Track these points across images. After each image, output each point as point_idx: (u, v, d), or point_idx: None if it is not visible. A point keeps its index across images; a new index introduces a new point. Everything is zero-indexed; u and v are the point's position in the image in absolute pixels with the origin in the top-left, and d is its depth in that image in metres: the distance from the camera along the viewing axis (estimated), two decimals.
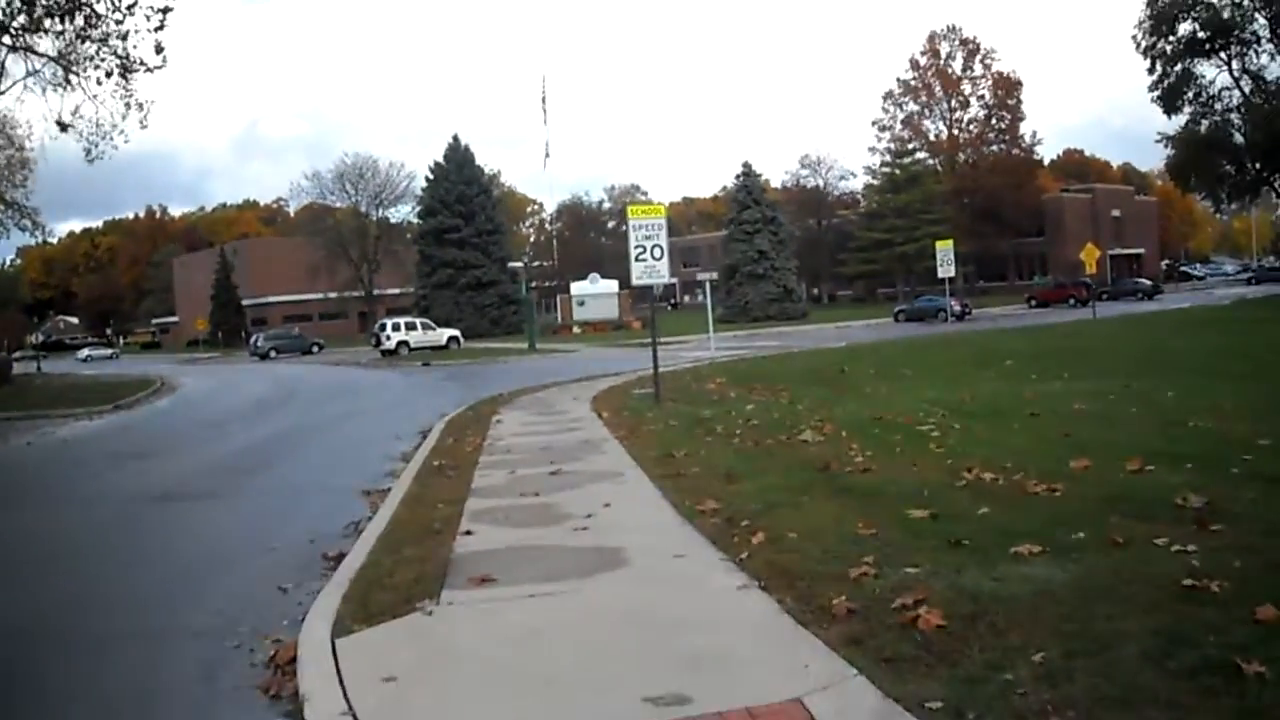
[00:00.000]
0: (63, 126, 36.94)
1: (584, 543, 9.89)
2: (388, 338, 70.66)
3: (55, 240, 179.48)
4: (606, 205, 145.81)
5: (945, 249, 53.54)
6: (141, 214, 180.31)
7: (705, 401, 23.26)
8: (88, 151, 37.85)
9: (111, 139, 37.58)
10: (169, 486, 17.05)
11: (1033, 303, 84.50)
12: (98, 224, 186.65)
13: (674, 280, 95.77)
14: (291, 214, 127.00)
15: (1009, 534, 8.57)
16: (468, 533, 10.57)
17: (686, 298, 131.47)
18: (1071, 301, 79.51)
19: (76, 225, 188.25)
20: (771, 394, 24.54)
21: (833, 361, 34.43)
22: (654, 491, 12.20)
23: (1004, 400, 19.21)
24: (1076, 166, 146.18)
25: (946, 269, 52.64)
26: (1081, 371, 24.09)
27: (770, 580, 7.95)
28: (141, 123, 37.49)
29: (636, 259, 23.11)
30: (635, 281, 23.62)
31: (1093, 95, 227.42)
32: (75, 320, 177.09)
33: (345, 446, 21.60)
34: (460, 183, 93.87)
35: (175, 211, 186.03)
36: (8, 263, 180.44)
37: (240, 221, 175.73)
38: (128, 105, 36.70)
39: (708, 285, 45.03)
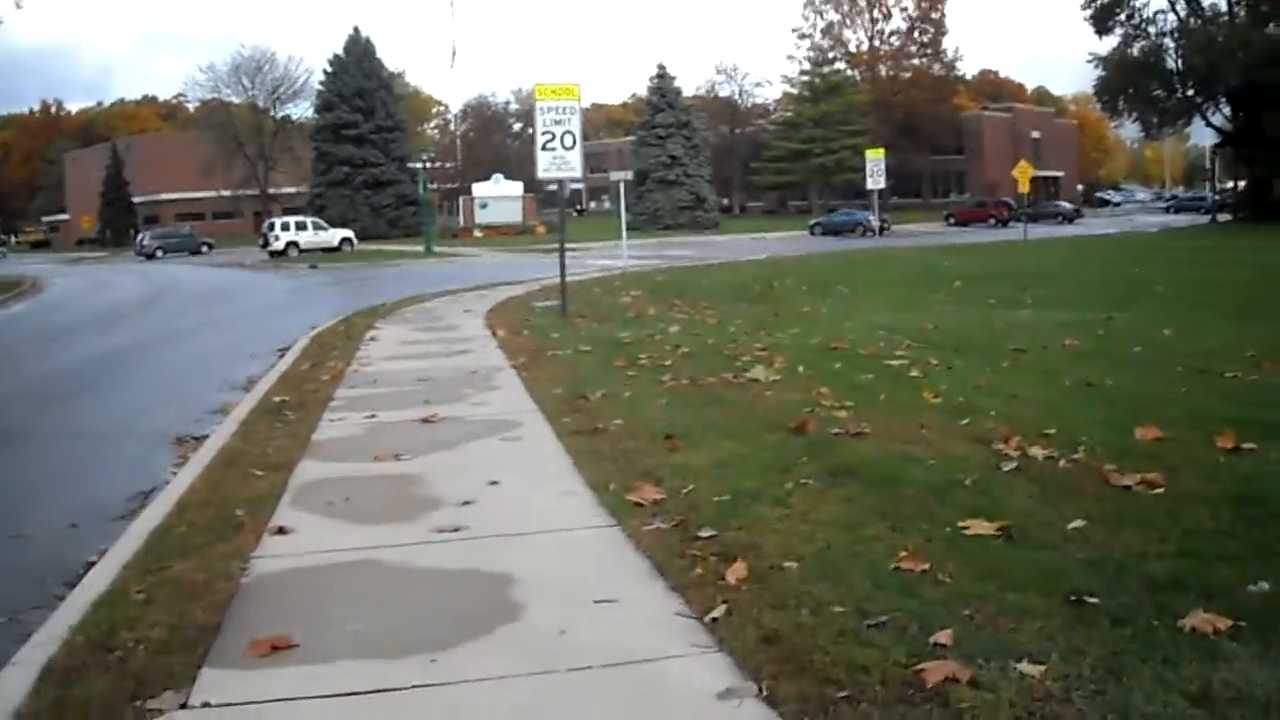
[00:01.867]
0: None
1: (453, 561, 6.29)
2: (276, 238, 66.37)
3: None
4: (514, 107, 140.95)
5: (876, 159, 50.08)
6: (37, 109, 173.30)
7: (620, 319, 19.88)
8: None
9: None
10: None
11: (951, 220, 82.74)
12: None
13: (581, 184, 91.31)
14: (191, 110, 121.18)
15: (1152, 580, 5.21)
16: (280, 530, 6.97)
17: (593, 204, 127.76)
18: (992, 221, 78.33)
19: None
20: (695, 311, 21.44)
21: (757, 276, 31.26)
22: (562, 460, 8.60)
23: (974, 331, 16.36)
24: (991, 87, 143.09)
25: (876, 180, 49.30)
26: (1044, 299, 21.32)
27: (778, 681, 4.41)
28: (16, 3, 33.84)
29: (544, 148, 19.51)
30: (541, 174, 20.00)
31: (1009, 16, 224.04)
32: None
33: (185, 368, 17.80)
34: (360, 76, 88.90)
35: (73, 107, 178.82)
36: None
37: (139, 118, 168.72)
38: None
39: (621, 186, 40.90)
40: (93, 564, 6.84)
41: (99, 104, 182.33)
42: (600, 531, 6.73)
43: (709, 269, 36.29)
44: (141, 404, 14.28)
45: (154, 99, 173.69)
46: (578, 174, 20.23)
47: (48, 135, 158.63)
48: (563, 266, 20.79)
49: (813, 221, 78.83)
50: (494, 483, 7.90)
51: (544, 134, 19.42)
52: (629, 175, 40.83)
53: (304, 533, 6.95)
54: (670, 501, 7.08)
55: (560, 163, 19.53)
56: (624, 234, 40.61)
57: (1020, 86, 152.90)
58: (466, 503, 7.41)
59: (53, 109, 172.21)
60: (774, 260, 40.31)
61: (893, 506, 6.74)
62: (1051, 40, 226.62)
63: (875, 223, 69.57)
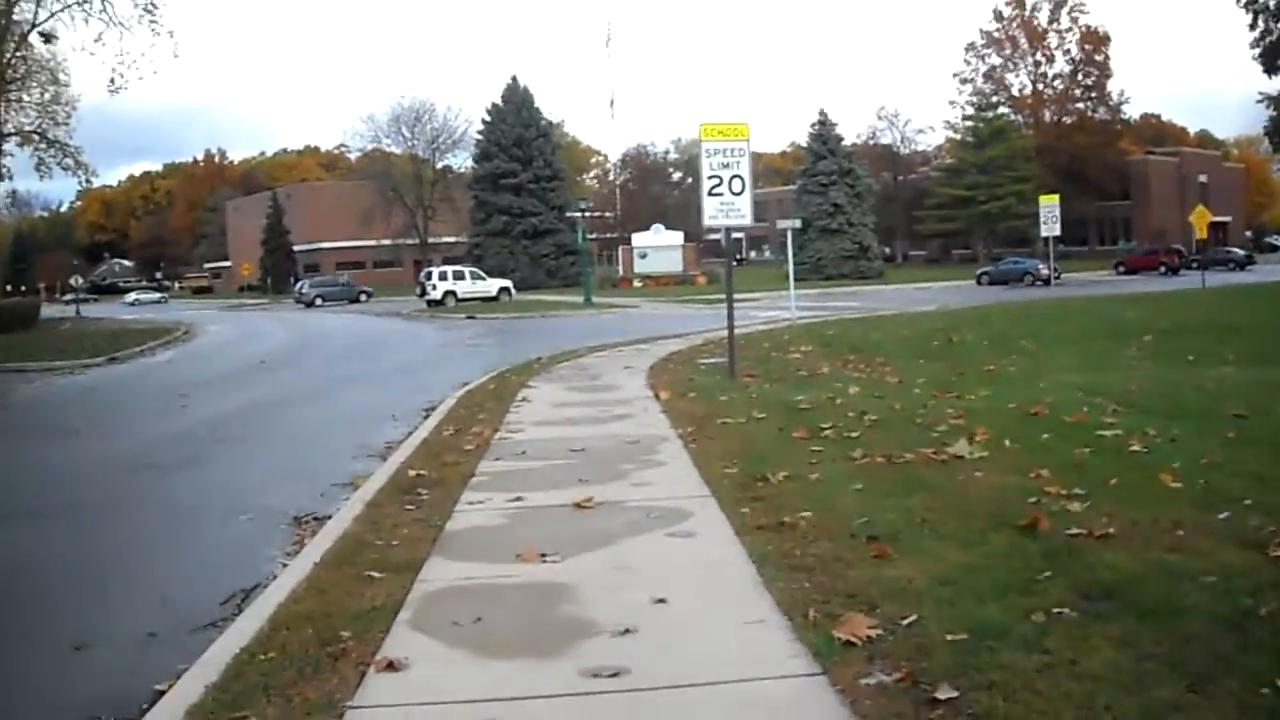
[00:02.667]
0: (46, 38, 33.29)
1: None
2: (433, 287, 65.65)
3: (115, 184, 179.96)
4: (673, 156, 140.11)
5: (1050, 205, 47.65)
6: (201, 158, 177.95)
7: (793, 379, 18.29)
8: (112, 80, 35.47)
9: (137, 67, 34.42)
10: (24, 498, 12.34)
11: (1121, 269, 79.69)
12: (158, 167, 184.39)
13: (741, 233, 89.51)
14: (353, 160, 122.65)
15: None
16: (390, 665, 5.48)
17: (753, 253, 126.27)
18: (1163, 269, 75.31)
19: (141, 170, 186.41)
20: (872, 370, 19.99)
21: (932, 329, 29.35)
22: (744, 569, 6.93)
23: (1183, 393, 14.44)
24: (1153, 130, 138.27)
25: (1050, 227, 46.85)
26: (1247, 354, 19.37)
27: None
28: (174, 53, 34.19)
29: (710, 193, 17.97)
30: (708, 222, 18.45)
31: (1169, 59, 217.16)
32: (130, 264, 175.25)
33: (321, 429, 16.56)
34: (518, 125, 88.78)
35: (236, 156, 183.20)
36: (64, 205, 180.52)
37: (300, 167, 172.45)
38: (155, 33, 34.03)
39: (789, 235, 38.89)
40: (160, 695, 5.47)
41: (261, 153, 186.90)
42: (803, 684, 5.07)
43: (880, 322, 34.42)
44: (265, 473, 13.01)
45: (315, 149, 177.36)
46: (747, 221, 18.63)
47: (210, 183, 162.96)
48: (731, 322, 19.19)
49: (979, 270, 76.55)
50: (661, 600, 6.32)
51: (710, 178, 17.91)
52: (796, 224, 39.24)
53: (419, 668, 5.46)
54: (890, 640, 5.43)
55: (728, 209, 18.00)
56: (791, 285, 38.81)
57: (1183, 130, 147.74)
58: (626, 631, 5.84)
59: (216, 158, 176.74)
60: (946, 312, 38.26)
61: (1180, 652, 5.04)
62: (1214, 82, 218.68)
63: (1045, 271, 67.92)
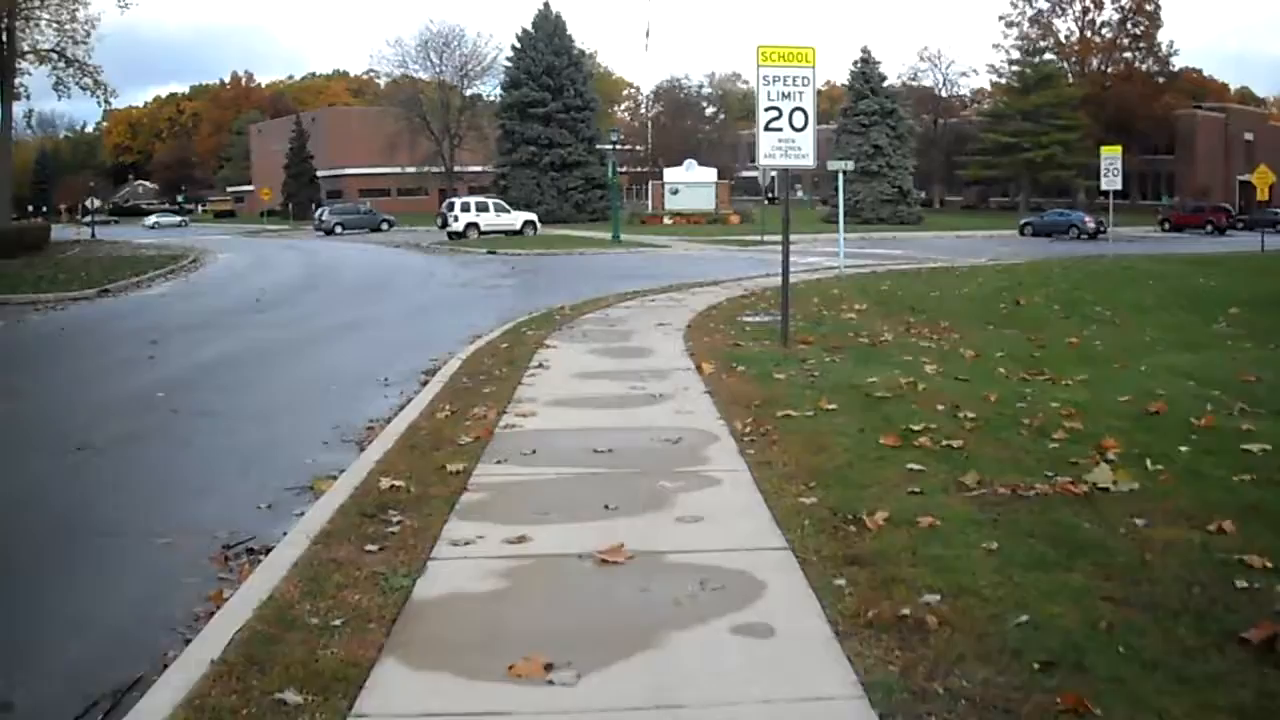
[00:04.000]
0: None
1: None
2: (455, 218, 62.96)
3: (142, 105, 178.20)
4: (706, 90, 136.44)
5: (1112, 156, 44.21)
6: (228, 80, 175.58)
7: (855, 348, 15.80)
8: None
9: None
10: None
11: (1166, 225, 77.05)
12: (184, 89, 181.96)
13: (809, 163, 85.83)
14: (382, 86, 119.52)
15: None
16: None
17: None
18: (1209, 228, 73.17)
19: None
20: (938, 336, 17.57)
21: (993, 287, 27.01)
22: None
23: None
24: (1193, 86, 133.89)
25: (1112, 180, 43.66)
26: None
27: None
28: None
29: (767, 127, 15.29)
30: (763, 161, 15.71)
31: (1213, 12, 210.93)
32: (154, 186, 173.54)
33: (296, 398, 13.88)
34: (549, 53, 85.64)
35: (264, 80, 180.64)
36: (88, 126, 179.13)
37: (328, 92, 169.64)
38: None
39: (840, 178, 35.59)
40: None
41: (290, 77, 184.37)
42: None
43: (934, 276, 31.65)
44: (212, 462, 10.51)
45: (345, 74, 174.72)
46: (809, 162, 15.83)
47: (237, 106, 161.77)
48: (785, 280, 16.43)
49: (1023, 220, 74.25)
50: None
51: (768, 110, 15.21)
52: (848, 165, 36.21)
53: None
54: None
55: (787, 147, 15.29)
56: (841, 234, 35.52)
57: (1224, 86, 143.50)
58: None
59: (243, 80, 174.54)
60: (1003, 267, 35.55)
61: None
62: (1254, 39, 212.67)
63: (1091, 224, 66.86)
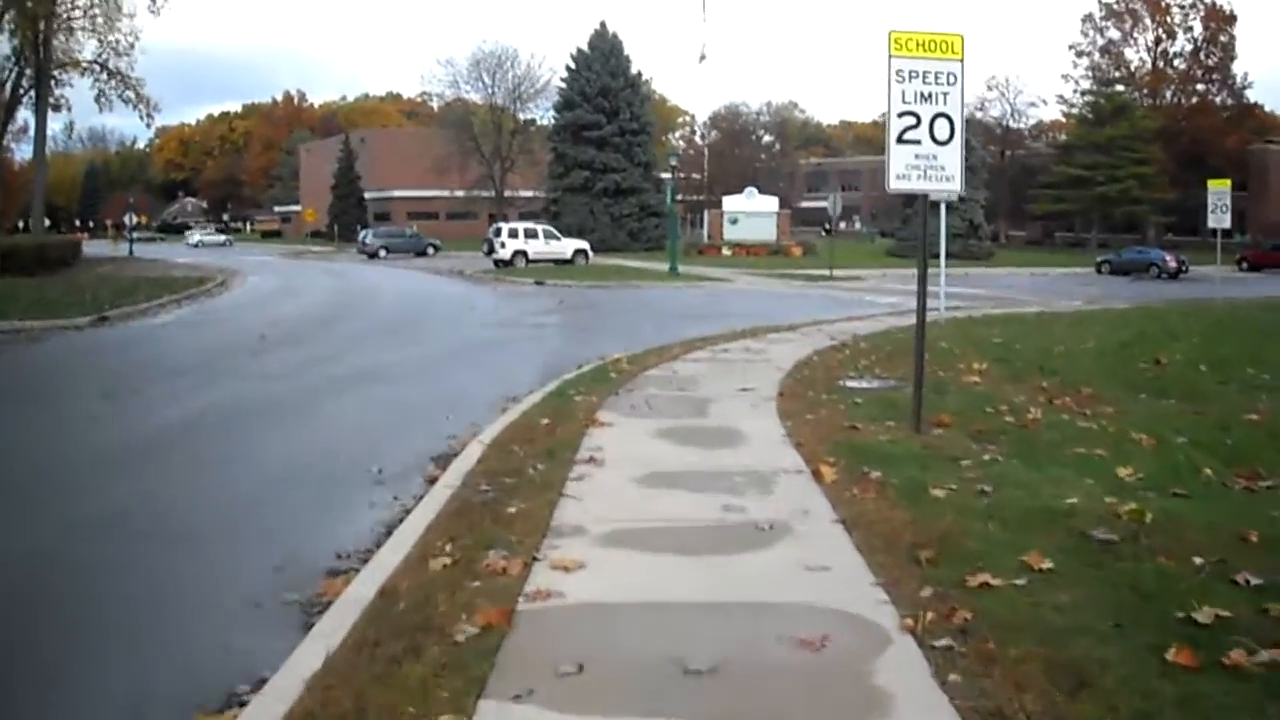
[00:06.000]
0: None
1: None
2: (502, 245, 59.47)
3: (194, 122, 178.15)
4: (764, 119, 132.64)
5: (1220, 191, 40.19)
6: (280, 99, 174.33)
7: (1005, 431, 11.90)
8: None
9: None
10: None
11: (1244, 265, 73.66)
12: (237, 107, 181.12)
13: (955, 188, 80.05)
14: (435, 109, 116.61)
15: None
16: None
17: (843, 224, 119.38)
18: None
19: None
20: (1090, 410, 13.67)
21: (1118, 340, 22.77)
22: None
23: None
24: (1264, 121, 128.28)
25: (1220, 217, 39.56)
26: None
27: None
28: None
29: (900, 139, 11.33)
30: (894, 185, 11.51)
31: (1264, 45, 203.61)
32: (204, 203, 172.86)
33: (251, 495, 9.96)
34: (605, 74, 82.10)
35: (317, 100, 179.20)
36: (139, 142, 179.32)
37: (380, 113, 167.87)
38: None
39: (942, 207, 30.78)
40: None
41: (343, 98, 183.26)
42: None
43: (1040, 322, 27.54)
44: (60, 656, 6.57)
45: (398, 95, 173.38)
46: (956, 187, 11.82)
47: (288, 125, 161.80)
48: (920, 348, 12.11)
49: (1100, 258, 70.60)
50: None
51: (902, 115, 11.27)
52: (955, 190, 31.94)
53: None
54: None
55: (927, 166, 11.36)
56: (943, 272, 30.38)
57: None
58: None
59: (296, 100, 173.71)
60: (1113, 314, 31.46)
61: None
62: None
63: (1173, 263, 64.47)
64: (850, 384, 15.39)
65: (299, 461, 11.39)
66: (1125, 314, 31.45)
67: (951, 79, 11.44)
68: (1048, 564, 6.88)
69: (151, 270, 51.02)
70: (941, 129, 11.38)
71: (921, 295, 12.09)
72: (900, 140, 11.37)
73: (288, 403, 15.27)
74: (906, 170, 11.42)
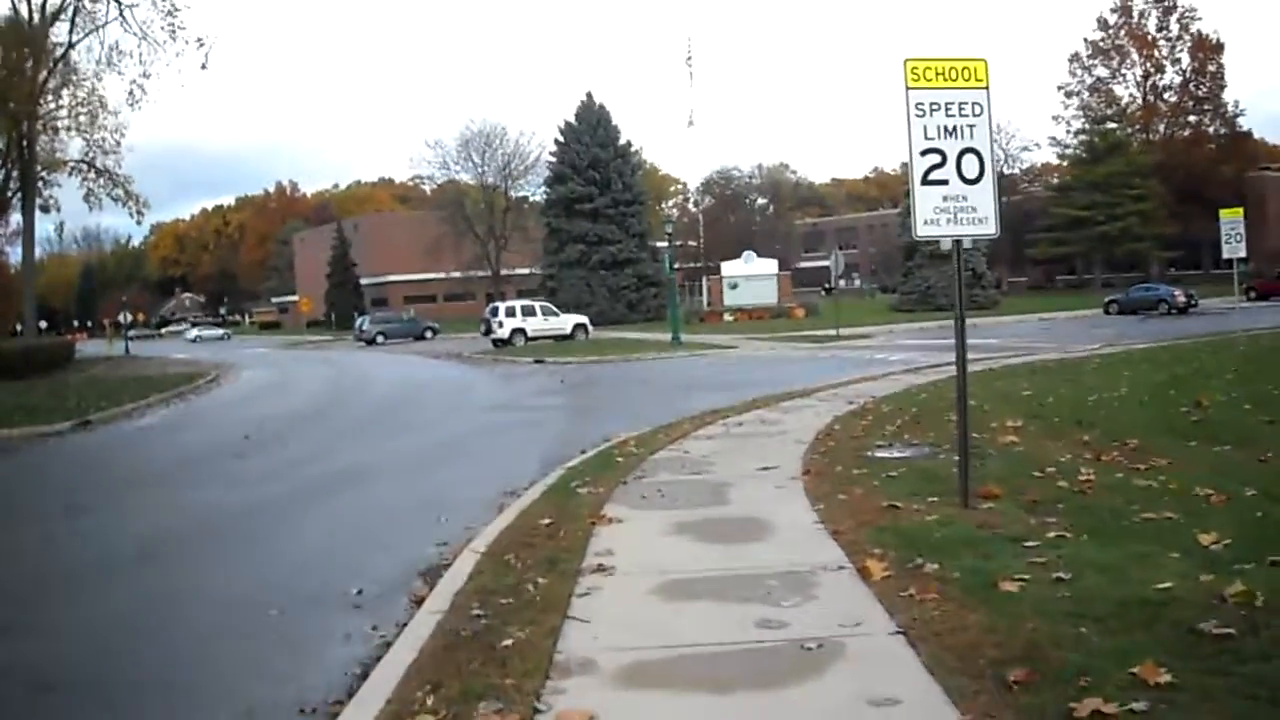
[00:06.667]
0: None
1: None
2: (499, 324, 58.41)
3: (189, 217, 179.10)
4: (756, 181, 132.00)
5: (1234, 220, 39.06)
6: (273, 190, 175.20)
7: (1061, 499, 10.56)
8: (130, 94, 32.91)
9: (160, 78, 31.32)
10: None
11: (1252, 294, 71.38)
12: (230, 200, 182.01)
13: (990, 230, 78.02)
14: (428, 193, 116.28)
15: None
16: None
17: (841, 281, 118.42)
18: None
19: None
20: (1144, 465, 12.34)
21: (1146, 381, 21.86)
22: None
23: None
24: (1256, 148, 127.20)
25: (1235, 246, 38.40)
26: None
27: None
28: (202, 64, 31.72)
29: (925, 179, 10.13)
30: (920, 231, 10.33)
31: (1256, 70, 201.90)
32: (201, 298, 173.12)
33: (207, 633, 8.54)
34: (594, 145, 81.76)
35: (309, 189, 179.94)
36: (134, 240, 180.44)
37: (373, 199, 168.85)
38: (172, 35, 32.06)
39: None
40: None
41: (335, 186, 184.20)
42: None
43: (1064, 370, 26.31)
44: None
45: (390, 181, 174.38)
46: (990, 229, 10.55)
47: (282, 216, 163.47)
48: (963, 411, 10.82)
49: (1108, 298, 69.56)
50: None
51: (925, 153, 10.06)
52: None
53: None
54: None
55: (957, 208, 10.12)
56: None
57: (1276, 147, 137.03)
58: None
59: (288, 190, 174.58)
60: (1136, 355, 30.35)
61: None
62: None
63: (1181, 299, 63.50)
64: (880, 454, 14.05)
65: (268, 582, 10.00)
66: (1149, 354, 30.40)
67: (977, 109, 10.26)
68: (1165, 676, 5.59)
69: (146, 368, 50.52)
70: (970, 166, 10.18)
71: (960, 349, 10.85)
72: (925, 181, 10.17)
73: (265, 510, 13.93)
74: (935, 215, 10.21)
